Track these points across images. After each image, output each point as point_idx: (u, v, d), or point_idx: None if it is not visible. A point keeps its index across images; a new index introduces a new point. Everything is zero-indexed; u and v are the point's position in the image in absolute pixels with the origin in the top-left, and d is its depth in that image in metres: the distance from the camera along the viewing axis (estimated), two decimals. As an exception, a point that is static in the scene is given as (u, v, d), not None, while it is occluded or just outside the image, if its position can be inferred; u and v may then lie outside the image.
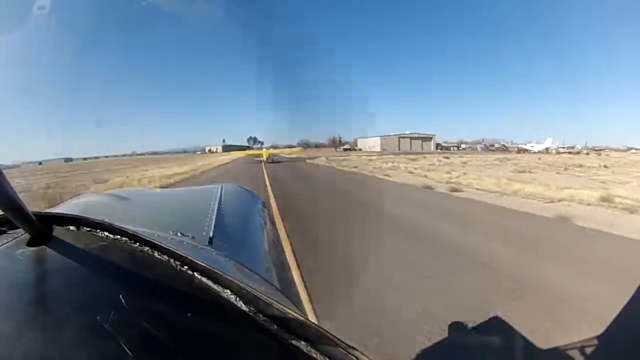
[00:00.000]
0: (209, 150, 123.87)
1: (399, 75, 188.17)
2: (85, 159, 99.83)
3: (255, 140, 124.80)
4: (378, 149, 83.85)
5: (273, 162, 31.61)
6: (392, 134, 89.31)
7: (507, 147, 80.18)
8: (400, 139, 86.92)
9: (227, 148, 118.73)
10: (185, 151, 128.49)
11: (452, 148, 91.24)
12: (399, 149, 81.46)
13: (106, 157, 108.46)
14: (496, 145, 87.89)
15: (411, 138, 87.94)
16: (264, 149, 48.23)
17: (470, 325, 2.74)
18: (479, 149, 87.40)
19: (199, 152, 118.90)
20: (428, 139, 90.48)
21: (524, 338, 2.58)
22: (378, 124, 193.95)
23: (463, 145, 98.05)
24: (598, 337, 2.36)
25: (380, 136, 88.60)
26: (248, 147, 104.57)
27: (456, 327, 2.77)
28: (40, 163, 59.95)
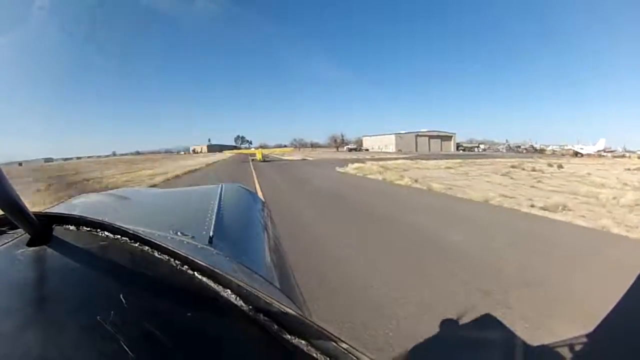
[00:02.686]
0: (193, 151, 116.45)
1: (411, 71, 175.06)
2: (66, 159, 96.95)
3: (243, 139, 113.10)
4: (392, 149, 70.04)
5: (265, 161, 32.19)
6: (403, 132, 74.72)
7: (537, 149, 65.73)
8: (418, 138, 72.44)
9: (213, 148, 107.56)
10: (169, 151, 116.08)
11: (475, 149, 76.95)
12: (416, 150, 66.75)
13: (89, 157, 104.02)
14: (522, 147, 73.50)
15: (430, 137, 74.55)
16: (253, 148, 49.46)
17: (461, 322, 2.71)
18: (503, 150, 73.29)
19: (182, 152, 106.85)
20: (448, 138, 77.75)
21: (514, 335, 2.50)
22: (386, 121, 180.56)
23: (482, 146, 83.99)
24: (587, 335, 2.40)
25: (395, 134, 73.56)
26: (235, 147, 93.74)
27: (448, 323, 2.73)
28: (20, 164, 57.16)
